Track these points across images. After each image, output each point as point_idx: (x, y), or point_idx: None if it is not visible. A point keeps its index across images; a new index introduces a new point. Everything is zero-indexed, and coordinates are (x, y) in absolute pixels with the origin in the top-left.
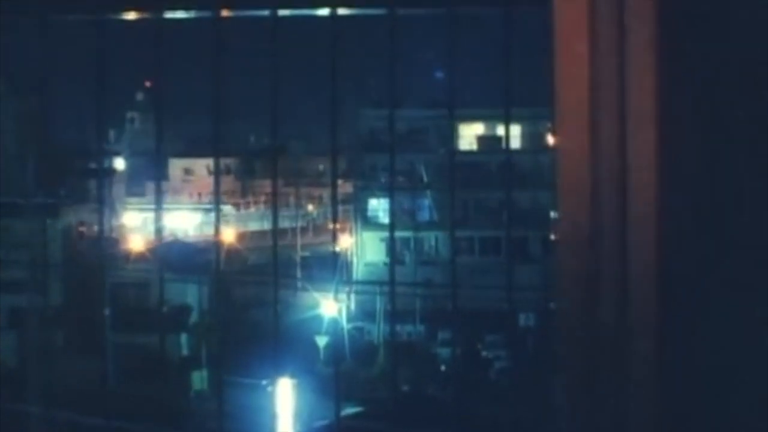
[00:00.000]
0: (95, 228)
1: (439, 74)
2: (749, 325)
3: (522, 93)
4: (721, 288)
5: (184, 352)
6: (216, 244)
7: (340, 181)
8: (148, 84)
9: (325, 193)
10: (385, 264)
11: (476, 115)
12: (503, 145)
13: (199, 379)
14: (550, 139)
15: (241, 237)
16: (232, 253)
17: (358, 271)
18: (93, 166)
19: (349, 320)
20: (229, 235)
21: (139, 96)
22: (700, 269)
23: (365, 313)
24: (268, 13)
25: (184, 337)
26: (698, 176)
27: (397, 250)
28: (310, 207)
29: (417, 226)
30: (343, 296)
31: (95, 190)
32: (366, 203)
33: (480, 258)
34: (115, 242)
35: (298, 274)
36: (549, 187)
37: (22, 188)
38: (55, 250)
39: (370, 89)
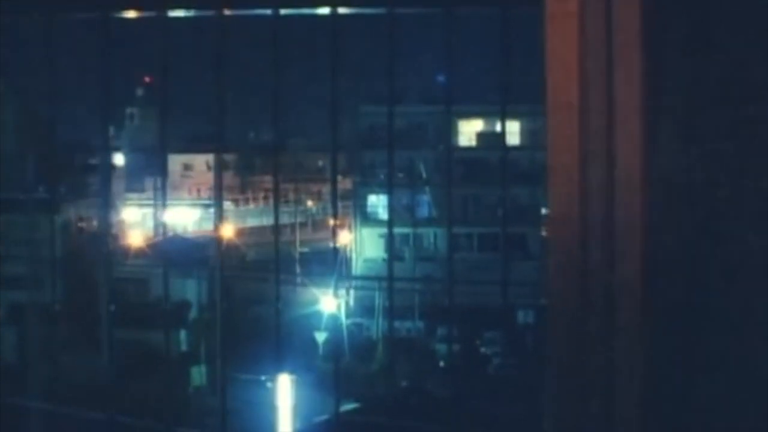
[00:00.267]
0: (95, 223)
1: (439, 72)
2: (732, 316)
3: (522, 89)
4: (704, 277)
5: (183, 347)
6: (217, 240)
7: (339, 177)
8: (147, 80)
9: (325, 189)
10: (384, 260)
11: (476, 111)
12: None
13: (198, 374)
14: None
15: (240, 233)
16: (231, 248)
17: (358, 267)
18: (93, 161)
19: (348, 316)
20: (228, 230)
21: (139, 92)
22: (684, 260)
23: (364, 309)
24: (270, 12)
25: (183, 333)
26: (682, 168)
27: (397, 246)
28: (310, 203)
29: (416, 223)
30: (342, 292)
31: (95, 185)
32: (365, 199)
33: (479, 254)
34: (114, 238)
35: (297, 269)
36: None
37: (22, 184)
38: (54, 246)
39: (370, 86)
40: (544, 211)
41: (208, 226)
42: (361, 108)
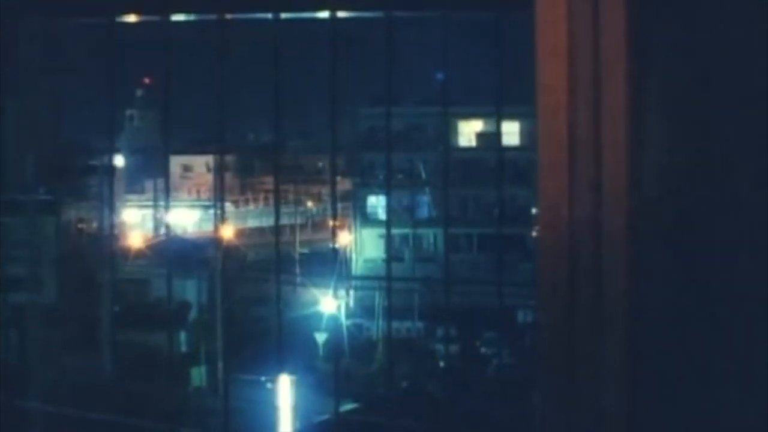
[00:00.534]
0: (94, 225)
1: (438, 73)
2: (718, 315)
3: (521, 90)
4: (690, 279)
5: (183, 348)
6: (220, 241)
7: (339, 178)
8: (146, 81)
9: (324, 190)
10: (383, 261)
11: (475, 112)
12: (502, 142)
13: (198, 375)
14: None
15: (240, 234)
16: (231, 250)
17: (357, 268)
18: (92, 163)
19: (348, 317)
20: (228, 232)
21: (138, 93)
22: (670, 261)
23: (364, 309)
24: (271, 16)
25: (182, 334)
26: (667, 166)
27: (396, 247)
28: (309, 204)
29: (416, 223)
30: (342, 293)
31: (94, 187)
32: (365, 200)
33: (478, 255)
34: (114, 239)
35: (297, 270)
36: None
37: (23, 185)
38: (55, 247)
39: (370, 88)
40: (534, 210)
41: (208, 227)
42: (361, 110)
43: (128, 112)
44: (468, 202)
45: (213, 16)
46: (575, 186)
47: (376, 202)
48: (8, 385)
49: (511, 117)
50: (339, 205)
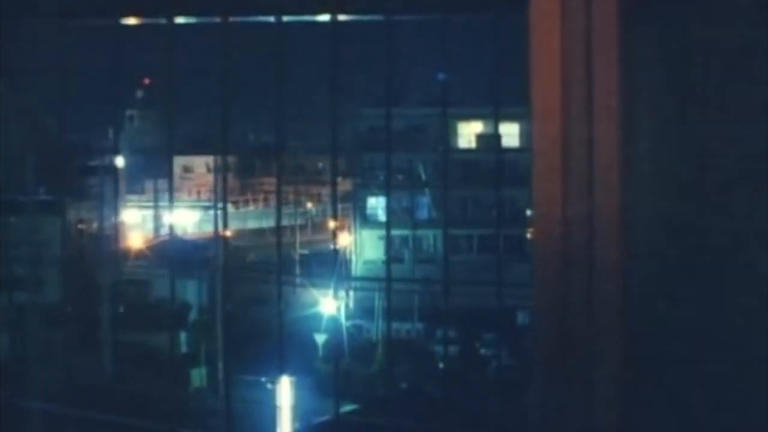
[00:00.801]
0: (94, 225)
1: (439, 75)
2: (711, 312)
3: (521, 91)
4: (682, 280)
5: (183, 349)
6: (224, 242)
7: (339, 179)
8: (146, 82)
9: (324, 191)
10: (383, 262)
11: (475, 113)
12: (502, 143)
13: (198, 376)
14: None
15: (240, 234)
16: (231, 250)
17: (357, 269)
18: (92, 163)
19: (347, 318)
20: (228, 232)
21: (138, 94)
22: (661, 259)
23: (364, 310)
24: (274, 19)
25: (183, 335)
26: (658, 167)
27: (396, 248)
28: (309, 205)
29: (416, 224)
30: (342, 294)
31: (94, 187)
32: (365, 201)
33: (478, 256)
34: (115, 240)
35: (297, 271)
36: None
37: (23, 186)
38: (55, 248)
39: (370, 89)
40: (528, 212)
41: (208, 228)
42: (361, 110)
43: (128, 112)
44: (468, 203)
45: (216, 19)
46: (568, 187)
47: (376, 204)
48: (8, 384)
49: (511, 118)
50: (339, 206)
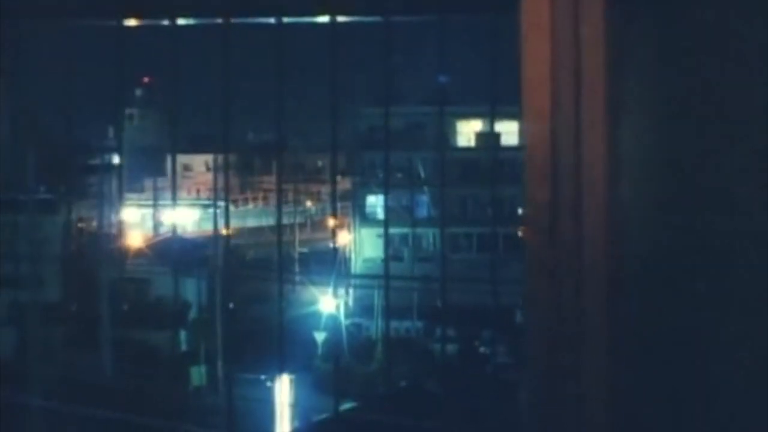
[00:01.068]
0: (94, 224)
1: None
2: (697, 308)
3: (519, 90)
4: (667, 272)
5: (183, 347)
6: (226, 239)
7: (338, 178)
8: (146, 80)
9: (324, 190)
10: (383, 261)
11: (475, 112)
12: (501, 141)
13: (197, 374)
14: None
15: (240, 233)
16: (231, 248)
17: (357, 267)
18: (92, 162)
19: (347, 316)
20: (228, 230)
21: (138, 93)
22: (648, 255)
23: (363, 309)
24: (274, 20)
25: (182, 333)
26: (646, 167)
27: (396, 247)
28: (309, 203)
29: (415, 223)
30: (341, 292)
31: (94, 186)
32: (364, 200)
33: (477, 254)
34: (114, 238)
35: (297, 269)
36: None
37: (23, 185)
38: (55, 246)
39: (370, 88)
40: (520, 211)
41: (208, 227)
42: (361, 110)
43: (128, 111)
44: (467, 202)
45: (218, 20)
46: (558, 185)
47: (376, 202)
48: (8, 383)
49: (510, 117)
50: (338, 205)
